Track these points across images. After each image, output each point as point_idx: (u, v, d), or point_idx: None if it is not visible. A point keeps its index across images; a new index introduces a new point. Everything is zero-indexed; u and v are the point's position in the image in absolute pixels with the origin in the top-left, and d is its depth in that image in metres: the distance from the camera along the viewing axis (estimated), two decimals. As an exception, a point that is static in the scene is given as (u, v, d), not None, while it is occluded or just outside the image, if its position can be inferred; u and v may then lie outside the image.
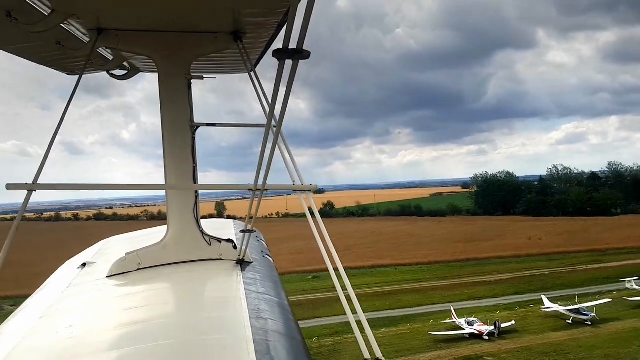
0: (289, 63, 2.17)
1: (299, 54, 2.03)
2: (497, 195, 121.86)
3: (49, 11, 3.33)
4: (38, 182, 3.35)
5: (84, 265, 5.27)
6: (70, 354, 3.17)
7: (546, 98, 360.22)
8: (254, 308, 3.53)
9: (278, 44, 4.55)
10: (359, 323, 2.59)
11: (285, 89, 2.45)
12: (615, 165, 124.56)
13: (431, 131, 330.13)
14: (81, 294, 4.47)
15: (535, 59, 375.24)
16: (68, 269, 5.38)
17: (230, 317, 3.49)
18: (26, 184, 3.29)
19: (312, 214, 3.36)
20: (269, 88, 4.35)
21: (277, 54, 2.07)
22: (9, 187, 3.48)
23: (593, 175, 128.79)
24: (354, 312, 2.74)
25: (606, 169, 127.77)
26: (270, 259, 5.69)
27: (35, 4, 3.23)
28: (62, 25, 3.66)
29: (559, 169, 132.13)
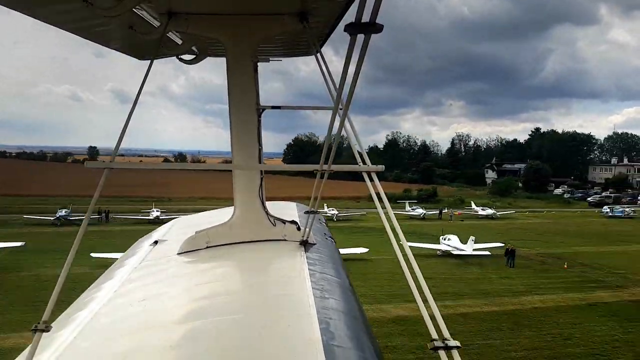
0: (360, 38, 2.10)
1: (372, 26, 1.96)
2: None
3: None
4: (115, 160, 3.53)
5: (155, 242, 5.52)
6: (143, 326, 3.33)
7: (607, 79, 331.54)
8: (317, 287, 3.57)
9: (344, 25, 4.49)
10: (427, 307, 2.51)
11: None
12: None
13: (485, 105, 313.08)
14: (153, 270, 4.68)
15: (596, 36, 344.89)
16: (141, 246, 5.66)
17: (294, 296, 3.55)
18: (103, 162, 3.48)
19: (379, 196, 3.31)
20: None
21: (350, 28, 2.02)
22: (88, 164, 3.67)
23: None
24: (422, 296, 2.68)
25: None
26: (333, 240, 5.70)
27: None
28: (134, 9, 3.75)
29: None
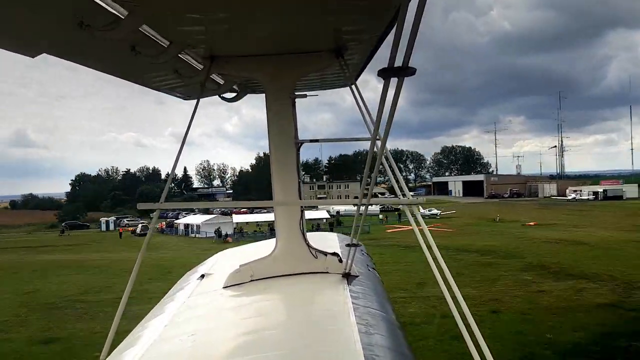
0: (394, 80, 2.14)
1: (405, 71, 1.98)
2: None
3: (168, 43, 3.64)
4: (163, 202, 3.78)
5: (202, 276, 5.66)
6: None
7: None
8: (361, 322, 3.51)
9: (380, 54, 4.49)
10: (471, 334, 2.50)
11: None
12: None
13: (546, 119, 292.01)
14: (201, 304, 4.78)
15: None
16: (188, 280, 5.82)
17: (339, 331, 3.50)
18: (154, 203, 3.74)
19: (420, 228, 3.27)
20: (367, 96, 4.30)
21: (382, 73, 2.05)
22: (140, 206, 3.93)
23: None
24: (466, 323, 2.61)
25: None
26: (376, 273, 5.57)
27: (156, 38, 3.53)
28: (178, 55, 3.98)
29: None
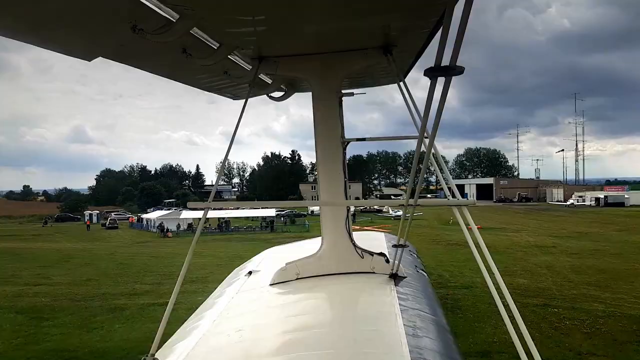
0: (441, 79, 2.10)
1: (452, 70, 1.95)
2: None
3: (218, 45, 3.70)
4: (212, 201, 3.87)
5: (249, 273, 5.75)
6: (240, 356, 3.45)
7: None
8: (409, 324, 3.46)
9: (429, 51, 4.47)
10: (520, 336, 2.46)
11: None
12: None
13: (610, 121, 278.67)
14: (247, 301, 4.86)
15: None
16: (237, 277, 5.91)
17: (385, 332, 3.47)
18: (203, 202, 3.83)
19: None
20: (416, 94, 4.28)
21: (429, 72, 2.02)
22: (190, 205, 3.99)
23: None
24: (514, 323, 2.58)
25: None
26: (425, 274, 5.54)
27: (206, 40, 3.59)
28: (228, 56, 4.04)
29: None
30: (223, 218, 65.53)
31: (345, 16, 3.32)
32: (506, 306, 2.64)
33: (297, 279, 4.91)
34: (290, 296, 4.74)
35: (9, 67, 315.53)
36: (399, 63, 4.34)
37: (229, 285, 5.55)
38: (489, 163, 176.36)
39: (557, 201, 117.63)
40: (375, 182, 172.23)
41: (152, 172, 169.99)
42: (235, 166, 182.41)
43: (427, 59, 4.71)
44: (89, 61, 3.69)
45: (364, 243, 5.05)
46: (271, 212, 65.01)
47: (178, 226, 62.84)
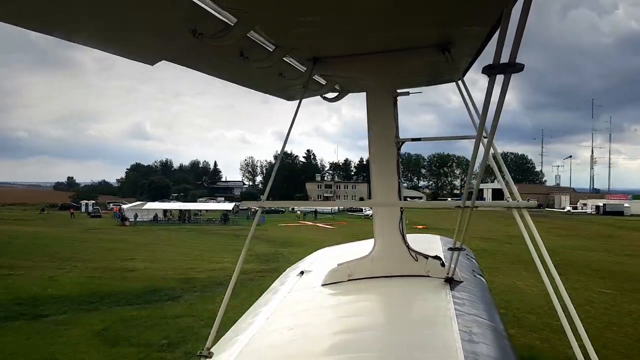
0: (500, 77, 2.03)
1: (511, 67, 1.87)
2: None
3: (273, 48, 3.73)
4: (265, 200, 3.93)
5: (302, 273, 5.78)
6: (292, 355, 3.47)
7: None
8: (464, 330, 3.38)
9: (489, 49, 4.43)
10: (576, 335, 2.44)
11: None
12: None
13: None
14: (299, 300, 4.88)
15: None
16: (289, 276, 5.96)
17: (439, 337, 3.39)
18: (256, 201, 3.89)
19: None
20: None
21: (487, 70, 1.95)
22: (244, 204, 4.01)
23: None
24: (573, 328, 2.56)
25: None
26: (483, 279, 5.48)
27: (262, 43, 3.63)
28: (283, 58, 4.05)
29: None
30: (187, 210, 77.37)
31: (403, 14, 3.27)
32: (569, 317, 2.57)
33: (349, 280, 4.89)
34: (342, 297, 4.72)
35: (74, 64, 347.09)
36: (457, 61, 4.24)
37: (281, 284, 5.61)
38: (517, 168, 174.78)
39: (562, 208, 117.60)
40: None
41: (175, 168, 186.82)
42: (258, 164, 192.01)
43: (485, 57, 4.54)
44: (152, 65, 3.80)
45: (418, 245, 4.99)
46: (228, 207, 76.59)
47: (135, 216, 70.97)
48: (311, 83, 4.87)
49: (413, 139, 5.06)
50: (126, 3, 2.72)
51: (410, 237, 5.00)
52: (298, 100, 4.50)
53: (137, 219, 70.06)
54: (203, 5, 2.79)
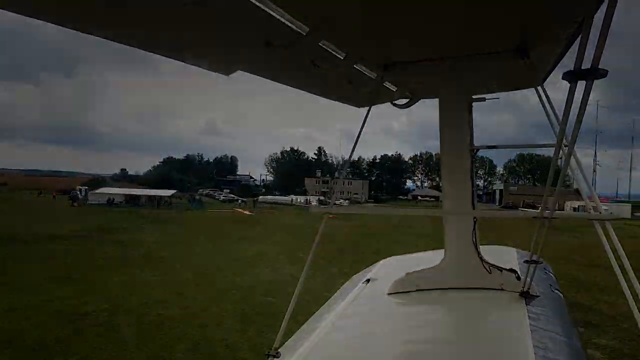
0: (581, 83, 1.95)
1: (594, 73, 1.79)
2: None
3: (344, 55, 3.75)
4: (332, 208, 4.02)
5: (368, 280, 5.73)
6: None
7: None
8: (540, 346, 3.24)
9: (571, 55, 4.11)
10: None
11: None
12: None
13: None
14: (365, 308, 4.84)
15: None
16: (355, 283, 5.93)
17: (512, 352, 3.30)
18: (324, 207, 3.94)
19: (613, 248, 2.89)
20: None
21: (567, 76, 1.89)
22: (311, 210, 4.13)
23: None
24: None
25: None
26: (561, 294, 5.10)
27: (333, 51, 3.65)
28: (353, 65, 4.08)
29: None
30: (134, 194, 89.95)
31: (479, 17, 3.16)
32: None
33: (417, 290, 4.78)
34: (410, 307, 4.63)
35: (151, 61, 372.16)
36: (537, 66, 4.02)
37: (347, 291, 5.60)
38: (544, 170, 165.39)
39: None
40: (410, 183, 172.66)
41: (201, 162, 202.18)
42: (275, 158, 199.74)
43: (567, 59, 4.33)
44: (227, 75, 3.96)
45: (492, 257, 4.77)
46: (168, 193, 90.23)
47: (84, 197, 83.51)
48: (381, 89, 4.86)
49: (488, 147, 4.89)
50: (207, 17, 2.86)
51: (484, 249, 4.80)
52: (368, 107, 4.51)
53: (89, 202, 79.99)
54: (277, 16, 2.88)
